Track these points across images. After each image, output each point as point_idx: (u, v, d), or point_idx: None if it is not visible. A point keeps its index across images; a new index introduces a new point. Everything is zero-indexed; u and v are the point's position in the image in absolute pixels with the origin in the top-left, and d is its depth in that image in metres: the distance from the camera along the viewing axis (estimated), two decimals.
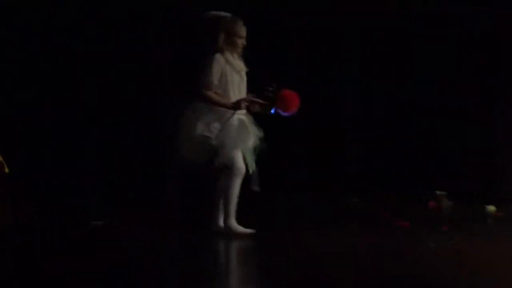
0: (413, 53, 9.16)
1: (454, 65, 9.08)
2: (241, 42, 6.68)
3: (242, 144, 6.54)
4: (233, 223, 6.56)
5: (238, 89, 6.68)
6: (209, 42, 6.63)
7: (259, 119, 6.62)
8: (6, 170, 7.49)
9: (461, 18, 8.88)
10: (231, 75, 6.63)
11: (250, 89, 6.69)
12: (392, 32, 9.12)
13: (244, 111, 6.62)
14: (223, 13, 6.68)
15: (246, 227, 6.56)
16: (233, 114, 6.55)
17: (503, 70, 9.01)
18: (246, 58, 6.66)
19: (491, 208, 7.99)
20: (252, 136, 6.61)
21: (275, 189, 8.07)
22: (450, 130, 9.19)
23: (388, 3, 9.03)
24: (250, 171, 6.53)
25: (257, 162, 6.52)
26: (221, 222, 6.64)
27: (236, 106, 6.59)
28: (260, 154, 6.55)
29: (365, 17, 9.19)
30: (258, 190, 6.51)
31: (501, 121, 9.00)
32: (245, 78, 6.74)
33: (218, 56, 6.60)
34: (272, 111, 6.53)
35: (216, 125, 6.54)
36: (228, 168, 6.49)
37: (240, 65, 6.69)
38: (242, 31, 6.68)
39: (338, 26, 9.35)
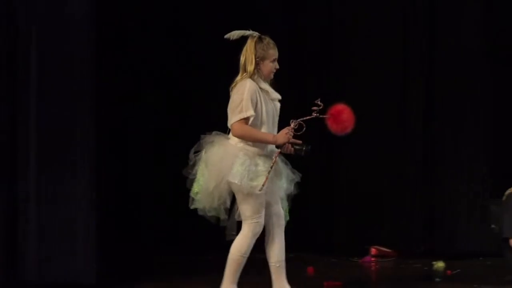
0: None
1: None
2: (274, 65, 5.75)
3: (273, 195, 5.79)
4: None
5: (273, 121, 5.75)
6: (237, 67, 5.71)
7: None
8: None
9: None
10: (266, 104, 5.69)
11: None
12: None
13: (276, 150, 5.70)
14: (251, 32, 5.74)
15: None
16: (277, 153, 5.63)
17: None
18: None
19: (440, 264, 7.28)
20: (285, 183, 5.81)
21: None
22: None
23: None
24: (284, 222, 5.92)
25: None
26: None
27: (279, 139, 5.60)
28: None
29: None
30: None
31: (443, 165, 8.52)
32: (279, 108, 5.81)
33: (250, 83, 5.61)
34: (309, 148, 5.64)
35: (252, 170, 5.61)
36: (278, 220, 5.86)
37: (275, 93, 5.78)
38: (275, 52, 5.74)
39: None
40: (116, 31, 8.31)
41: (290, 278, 6.00)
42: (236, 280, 5.76)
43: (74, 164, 6.52)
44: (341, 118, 5.59)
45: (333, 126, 5.60)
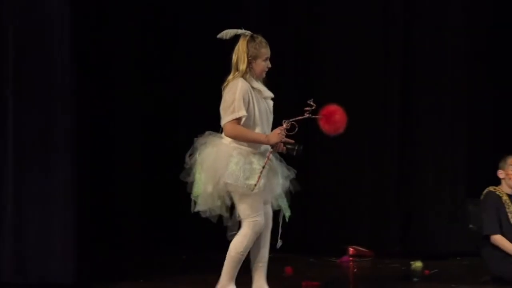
0: None
1: None
2: (266, 64, 5.71)
3: (271, 192, 5.78)
4: None
5: (266, 120, 5.72)
6: (229, 66, 5.68)
7: None
8: None
9: None
10: (259, 103, 5.65)
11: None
12: None
13: (270, 148, 5.66)
14: (243, 31, 5.70)
15: None
16: (270, 152, 5.62)
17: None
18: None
19: (418, 264, 7.26)
20: (281, 179, 5.79)
21: None
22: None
23: None
24: (287, 219, 5.88)
25: None
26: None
27: (272, 139, 5.58)
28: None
29: None
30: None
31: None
32: (272, 107, 5.78)
33: (242, 82, 5.57)
34: (301, 148, 5.64)
35: (247, 168, 5.58)
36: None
37: (267, 91, 5.74)
38: (267, 51, 5.71)
39: None
40: (101, 29, 8.23)
41: (268, 278, 5.98)
42: (234, 277, 5.75)
43: (53, 164, 6.42)
44: (334, 118, 5.57)
45: (325, 127, 5.58)
